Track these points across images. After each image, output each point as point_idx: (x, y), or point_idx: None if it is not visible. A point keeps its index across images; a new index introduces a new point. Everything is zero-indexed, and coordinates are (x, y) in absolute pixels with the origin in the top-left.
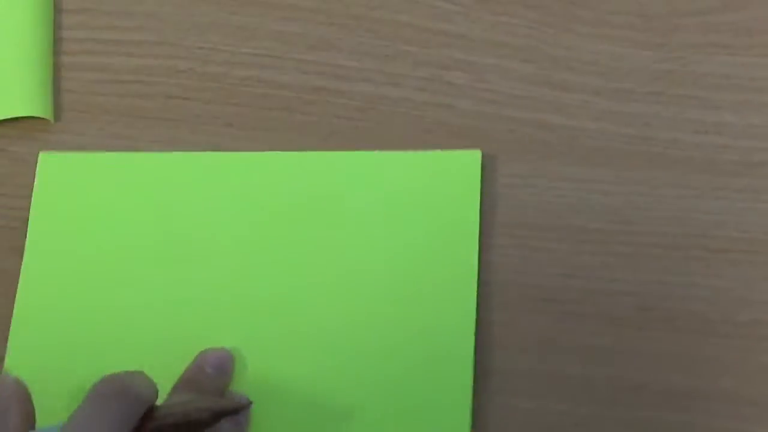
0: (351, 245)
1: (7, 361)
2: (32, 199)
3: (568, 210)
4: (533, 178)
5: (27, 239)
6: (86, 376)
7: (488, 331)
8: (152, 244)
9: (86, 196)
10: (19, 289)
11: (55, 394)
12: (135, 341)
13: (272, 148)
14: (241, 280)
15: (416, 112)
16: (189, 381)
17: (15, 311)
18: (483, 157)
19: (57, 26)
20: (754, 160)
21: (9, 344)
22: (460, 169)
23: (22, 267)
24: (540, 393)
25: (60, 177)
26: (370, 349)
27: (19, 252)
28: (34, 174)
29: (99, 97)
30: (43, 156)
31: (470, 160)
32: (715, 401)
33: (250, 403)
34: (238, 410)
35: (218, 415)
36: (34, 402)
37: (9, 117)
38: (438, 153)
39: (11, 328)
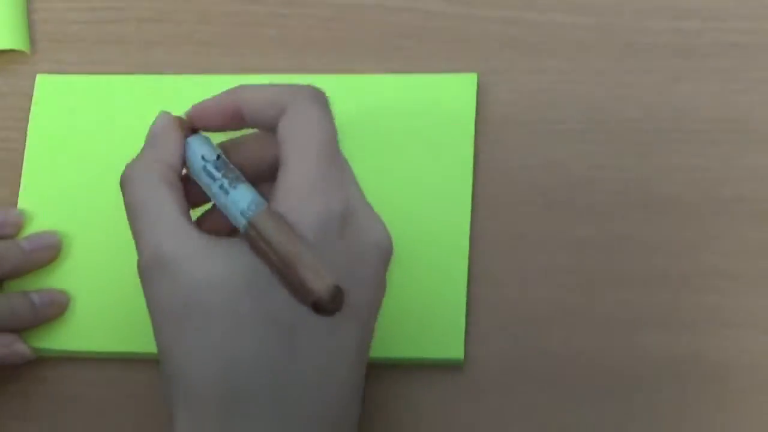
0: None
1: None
2: (29, 120)
3: (546, 104)
4: (508, 73)
5: (24, 159)
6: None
7: (476, 228)
8: None
9: (82, 117)
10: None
11: None
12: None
13: (250, 64)
14: None
15: (390, 17)
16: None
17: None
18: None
19: None
20: (729, 40)
21: None
22: (455, 91)
23: (20, 189)
24: (526, 283)
25: (56, 98)
26: None
27: (3, 182)
28: (15, 106)
29: (73, 25)
30: (40, 77)
31: (466, 82)
32: (698, 278)
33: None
34: None
35: None
36: None
37: None
38: (434, 76)
39: None
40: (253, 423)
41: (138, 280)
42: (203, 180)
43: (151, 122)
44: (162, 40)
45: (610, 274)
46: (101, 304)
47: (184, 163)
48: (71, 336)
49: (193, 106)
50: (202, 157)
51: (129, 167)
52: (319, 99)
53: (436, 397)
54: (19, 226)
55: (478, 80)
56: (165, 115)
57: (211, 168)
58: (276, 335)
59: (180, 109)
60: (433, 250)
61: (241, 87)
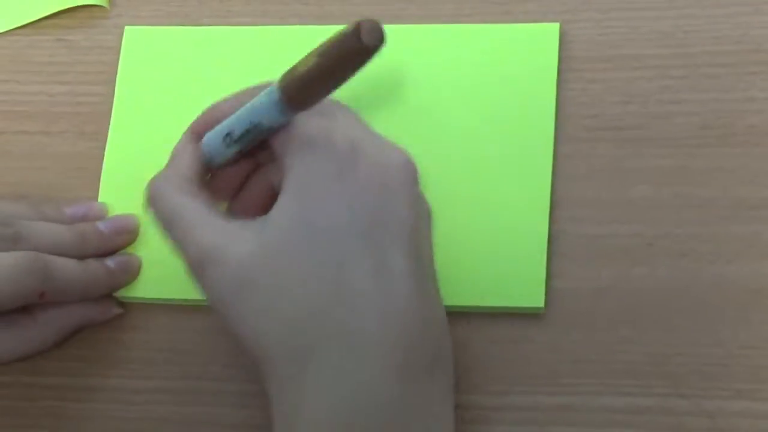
0: (430, 115)
1: None
2: (118, 72)
3: (621, 39)
4: (581, 11)
5: (113, 110)
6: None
7: (555, 163)
8: None
9: (169, 68)
10: (105, 161)
11: None
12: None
13: (329, 12)
14: None
15: None
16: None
17: (101, 186)
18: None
19: None
20: None
21: None
22: (538, 41)
23: (108, 142)
24: (609, 218)
25: (144, 50)
26: (455, 201)
27: (88, 137)
28: (97, 60)
29: None
30: (128, 30)
31: (548, 32)
32: None
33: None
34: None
35: None
36: None
37: (66, 7)
38: (517, 26)
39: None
40: (328, 370)
41: None
42: (227, 149)
43: (238, 73)
44: None
45: (691, 206)
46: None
47: (203, 170)
48: (158, 284)
49: (195, 121)
50: (227, 135)
51: (151, 185)
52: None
53: (518, 337)
54: (101, 219)
55: (560, 29)
56: (183, 135)
57: (234, 127)
58: (323, 280)
59: (264, 59)
60: (514, 196)
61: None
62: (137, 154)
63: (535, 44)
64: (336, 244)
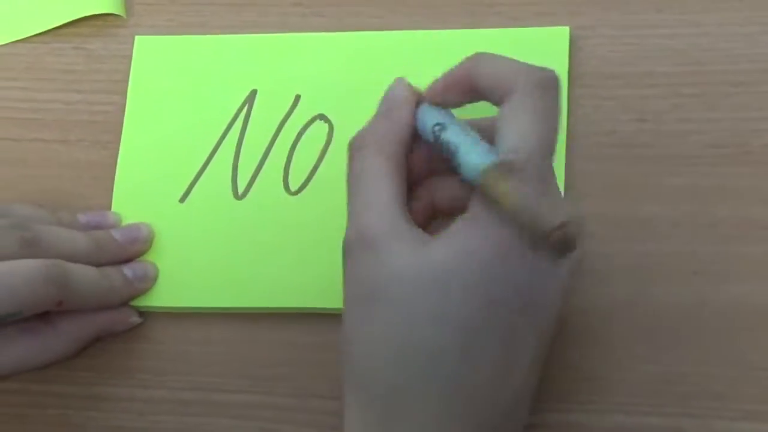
0: None
1: None
2: (129, 81)
3: (635, 57)
4: (598, 28)
5: (124, 119)
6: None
7: (567, 181)
8: (245, 122)
9: (181, 77)
10: (118, 171)
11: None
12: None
13: (340, 24)
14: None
15: None
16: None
17: (114, 195)
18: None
19: None
20: None
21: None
22: (547, 45)
23: (120, 151)
24: (620, 236)
25: (155, 59)
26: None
27: (103, 146)
28: (112, 69)
29: None
30: (139, 39)
31: (558, 36)
32: None
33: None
34: None
35: None
36: None
37: (83, 16)
38: (526, 30)
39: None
40: (414, 422)
41: (236, 238)
42: (428, 136)
43: (248, 80)
44: (254, 1)
45: (703, 225)
46: (204, 261)
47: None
48: (173, 293)
49: (432, 85)
50: (438, 125)
51: (361, 134)
52: (549, 86)
53: None
54: (115, 228)
55: (570, 34)
56: (402, 83)
57: (446, 133)
58: (451, 336)
59: (277, 68)
60: None
61: (476, 58)
62: (150, 162)
63: (546, 48)
64: (474, 307)
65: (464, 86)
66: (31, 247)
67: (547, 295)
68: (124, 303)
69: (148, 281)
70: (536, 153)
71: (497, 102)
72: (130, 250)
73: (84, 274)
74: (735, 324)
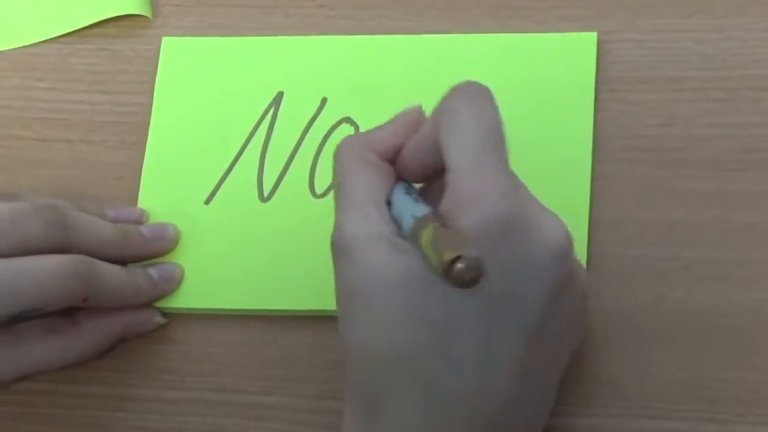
0: None
1: None
2: (156, 83)
3: (662, 61)
4: (625, 32)
5: (151, 121)
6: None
7: (595, 184)
8: (271, 124)
9: (207, 79)
10: (144, 171)
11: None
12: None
13: (367, 26)
14: None
15: None
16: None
17: (140, 196)
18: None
19: None
20: None
21: None
22: (575, 51)
23: (146, 152)
24: (647, 240)
25: (182, 60)
26: None
27: (128, 146)
28: (139, 71)
29: None
30: (165, 40)
31: (586, 42)
32: None
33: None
34: None
35: None
36: None
37: (109, 17)
38: (553, 35)
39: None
40: (397, 424)
41: (261, 241)
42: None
43: (275, 82)
44: (279, 3)
45: (730, 230)
46: (228, 262)
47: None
48: (197, 294)
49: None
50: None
51: (344, 139)
52: (473, 93)
53: None
54: (142, 224)
55: (597, 39)
56: (417, 111)
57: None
58: (426, 334)
59: (303, 70)
60: (553, 209)
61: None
62: (176, 164)
63: (573, 53)
64: (452, 307)
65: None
66: (58, 230)
67: (527, 286)
68: (149, 304)
69: (173, 283)
70: (471, 171)
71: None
72: (156, 246)
73: (111, 271)
74: (759, 329)
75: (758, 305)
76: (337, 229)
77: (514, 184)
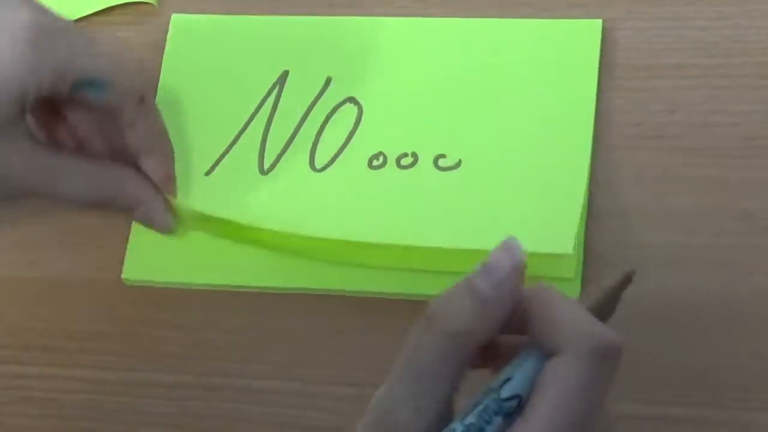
0: (472, 108)
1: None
2: (163, 58)
3: (666, 48)
4: (629, 20)
5: (157, 94)
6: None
7: (596, 171)
8: (277, 101)
9: (214, 56)
10: None
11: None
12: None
13: (373, 8)
14: (370, 138)
15: None
16: None
17: None
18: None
19: None
20: None
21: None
22: (580, 37)
23: None
24: (650, 227)
25: (190, 37)
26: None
27: None
28: (142, 58)
29: None
30: (175, 17)
31: (590, 28)
32: None
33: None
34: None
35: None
36: None
37: (115, 4)
38: (558, 21)
39: None
40: None
41: (259, 213)
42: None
43: (280, 61)
44: None
45: (732, 217)
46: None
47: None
48: (196, 268)
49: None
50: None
51: (439, 316)
52: (606, 355)
53: None
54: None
55: (603, 26)
56: (512, 255)
57: None
58: None
59: (309, 50)
60: (552, 193)
61: (539, 295)
62: (179, 136)
63: (578, 40)
64: None
65: (516, 325)
66: None
67: None
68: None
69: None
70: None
71: (545, 350)
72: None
73: None
74: (762, 316)
75: (759, 292)
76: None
77: None
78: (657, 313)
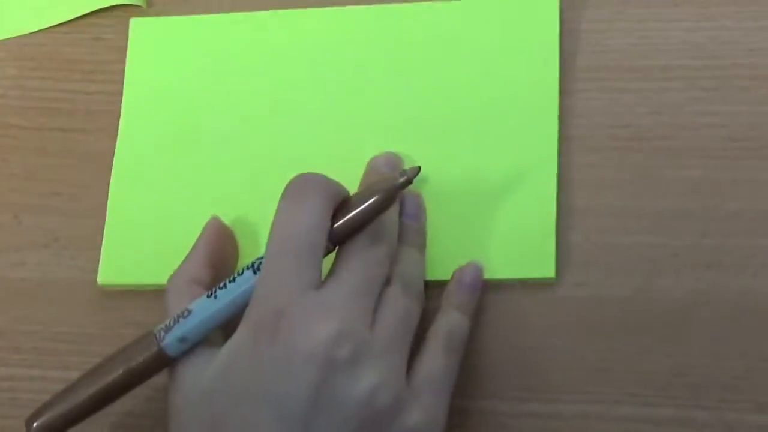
0: (432, 92)
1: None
2: (126, 63)
3: (652, 50)
4: (615, 21)
5: (122, 103)
6: (184, 238)
7: (581, 172)
8: (245, 102)
9: (178, 58)
10: (116, 155)
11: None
12: (234, 198)
13: (333, 1)
14: (331, 136)
15: None
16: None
17: (111, 185)
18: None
19: None
20: None
21: (108, 215)
22: (537, 13)
23: (119, 131)
24: (635, 228)
25: (151, 41)
26: (457, 191)
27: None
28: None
29: None
30: (134, 21)
31: (547, 3)
32: None
33: (418, 168)
34: (410, 179)
35: (392, 194)
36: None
37: (103, 6)
38: None
39: (108, 204)
40: None
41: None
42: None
43: (245, 59)
44: None
45: (718, 218)
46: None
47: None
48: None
49: None
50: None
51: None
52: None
53: (539, 344)
54: None
55: (560, 6)
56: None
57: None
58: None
59: (275, 45)
60: (520, 185)
61: None
62: (148, 148)
63: (536, 15)
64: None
65: None
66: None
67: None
68: None
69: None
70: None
71: None
72: None
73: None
74: (747, 317)
75: (746, 293)
76: None
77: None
78: (642, 314)
